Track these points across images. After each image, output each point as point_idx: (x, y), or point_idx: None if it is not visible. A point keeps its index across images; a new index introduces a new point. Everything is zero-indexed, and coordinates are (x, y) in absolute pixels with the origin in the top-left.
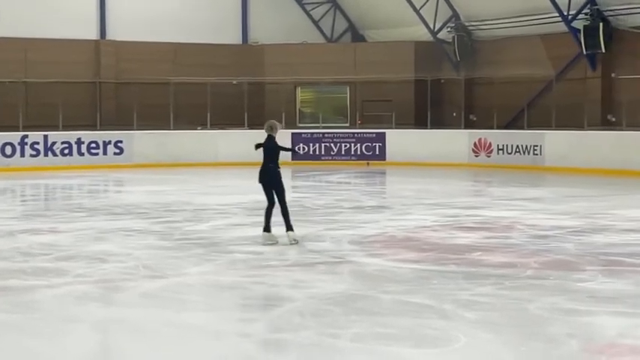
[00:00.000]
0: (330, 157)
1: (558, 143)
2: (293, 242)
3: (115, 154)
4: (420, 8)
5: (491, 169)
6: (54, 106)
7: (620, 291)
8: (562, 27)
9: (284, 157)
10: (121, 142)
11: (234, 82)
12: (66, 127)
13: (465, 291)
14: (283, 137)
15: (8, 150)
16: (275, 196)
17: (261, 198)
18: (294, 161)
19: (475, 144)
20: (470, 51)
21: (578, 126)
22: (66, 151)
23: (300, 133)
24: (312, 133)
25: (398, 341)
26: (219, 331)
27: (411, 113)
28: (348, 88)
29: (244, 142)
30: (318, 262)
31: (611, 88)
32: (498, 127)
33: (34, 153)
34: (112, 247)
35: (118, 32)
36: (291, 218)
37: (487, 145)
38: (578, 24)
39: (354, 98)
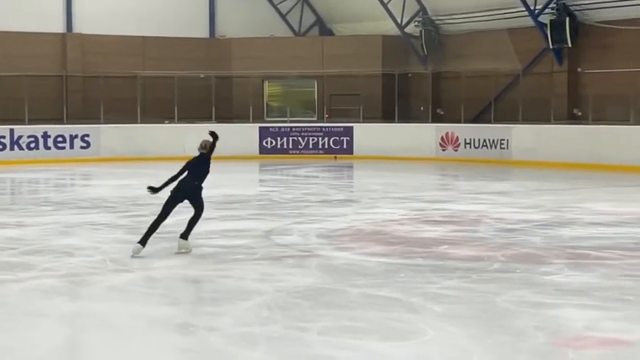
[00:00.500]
0: (297, 151)
1: (525, 137)
2: (183, 251)
3: (81, 147)
4: (388, 2)
5: (458, 163)
6: (20, 99)
7: (586, 284)
8: (529, 21)
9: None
10: (87, 136)
11: (202, 75)
12: (32, 121)
13: (432, 284)
14: (251, 131)
15: None
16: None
17: (230, 192)
18: (262, 155)
19: (442, 138)
20: (437, 45)
21: (545, 120)
22: (32, 145)
23: (268, 127)
24: (280, 127)
25: (366, 334)
26: (186, 324)
27: (379, 107)
28: (315, 82)
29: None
30: (286, 256)
31: (577, 82)
32: (465, 121)
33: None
34: (78, 241)
35: (84, 25)
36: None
37: (454, 138)
38: (545, 18)
39: (321, 92)
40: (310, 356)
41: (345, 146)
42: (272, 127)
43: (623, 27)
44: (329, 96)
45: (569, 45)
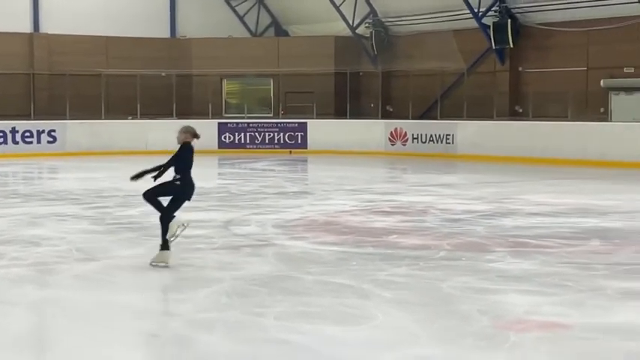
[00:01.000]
0: (254, 146)
1: (469, 132)
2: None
3: (48, 142)
4: (340, 5)
5: (406, 157)
6: None
7: (527, 270)
8: (473, 23)
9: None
10: (54, 131)
11: (163, 74)
12: (1, 117)
13: (382, 271)
14: (210, 127)
15: None
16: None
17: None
18: (221, 149)
19: (391, 133)
20: (387, 45)
21: (488, 116)
22: (1, 140)
23: (226, 123)
24: (238, 123)
25: (320, 319)
26: (148, 311)
27: (332, 104)
28: (271, 80)
29: (172, 131)
30: (244, 245)
31: (518, 80)
32: (413, 118)
33: None
34: (45, 231)
35: (51, 25)
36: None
37: (403, 134)
38: (488, 20)
39: (277, 90)
40: (267, 340)
41: (299, 141)
42: (230, 122)
43: (561, 29)
44: (284, 93)
45: (511, 46)
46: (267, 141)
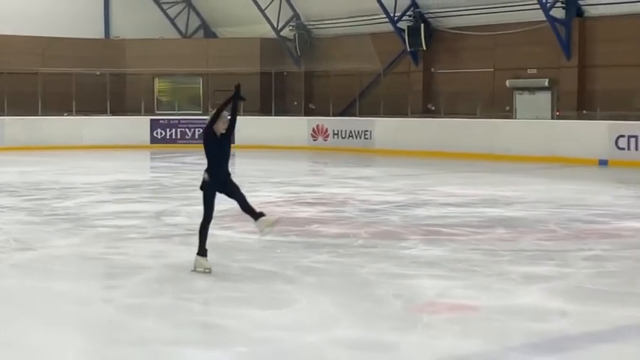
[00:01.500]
0: (185, 141)
1: (386, 129)
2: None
3: None
4: (265, 8)
5: (327, 152)
6: None
7: (438, 257)
8: (389, 27)
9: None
10: None
11: (98, 73)
12: None
13: (305, 258)
14: (143, 123)
15: None
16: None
17: (124, 177)
18: (153, 144)
19: (314, 129)
20: (309, 47)
21: (403, 114)
22: None
23: (158, 120)
24: (169, 120)
25: (247, 304)
26: (84, 297)
27: (258, 102)
28: (201, 79)
29: (106, 127)
30: (175, 235)
31: (430, 80)
32: (334, 115)
33: None
34: None
35: None
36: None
37: (324, 130)
38: (403, 24)
39: (206, 88)
40: (197, 324)
41: None
42: (162, 119)
43: (470, 33)
44: (213, 92)
45: (424, 48)
46: (197, 136)
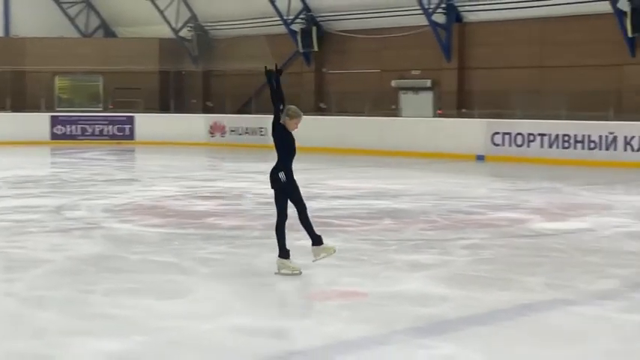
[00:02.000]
0: (85, 137)
1: None
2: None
3: None
4: (164, 10)
5: (225, 147)
6: None
7: None
8: (283, 29)
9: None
10: None
11: None
12: None
13: (202, 250)
14: (43, 120)
15: None
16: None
17: (24, 173)
18: (54, 140)
19: (211, 126)
20: (207, 47)
21: None
22: None
23: (58, 116)
24: (70, 116)
25: (145, 294)
26: None
27: (157, 100)
28: (101, 77)
29: (6, 123)
30: (75, 228)
31: (322, 80)
32: (231, 112)
33: None
34: None
35: None
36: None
37: (221, 127)
38: (296, 27)
39: (106, 86)
40: (96, 315)
41: (127, 133)
42: (62, 116)
43: (359, 35)
44: (113, 89)
45: (316, 49)
46: (97, 133)
